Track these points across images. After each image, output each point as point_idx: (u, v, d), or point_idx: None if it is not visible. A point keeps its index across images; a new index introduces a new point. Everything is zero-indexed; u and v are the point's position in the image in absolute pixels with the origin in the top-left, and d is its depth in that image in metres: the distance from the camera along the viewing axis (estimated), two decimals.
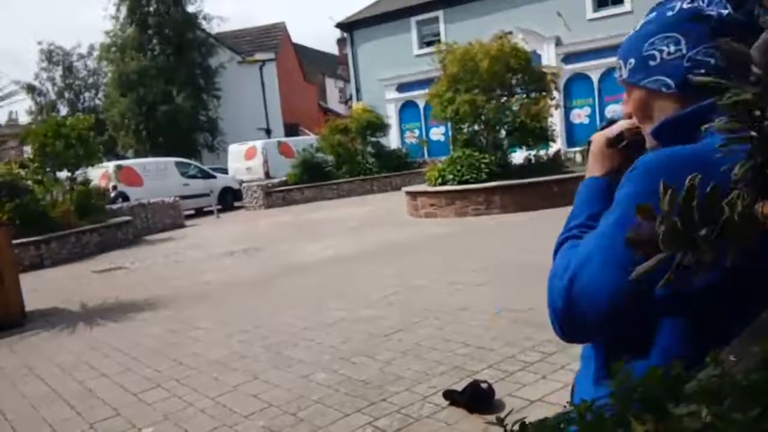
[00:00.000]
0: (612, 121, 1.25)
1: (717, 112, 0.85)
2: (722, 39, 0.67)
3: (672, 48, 1.04)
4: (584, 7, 18.72)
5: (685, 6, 1.04)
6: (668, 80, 1.05)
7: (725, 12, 0.99)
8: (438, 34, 21.01)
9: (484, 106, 11.36)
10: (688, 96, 1.01)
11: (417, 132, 22.85)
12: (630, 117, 1.18)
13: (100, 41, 28.19)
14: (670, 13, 1.06)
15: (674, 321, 0.98)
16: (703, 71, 0.99)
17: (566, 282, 1.01)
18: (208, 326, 5.35)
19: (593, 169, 1.21)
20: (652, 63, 1.06)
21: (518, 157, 12.47)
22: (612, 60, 18.20)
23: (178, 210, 15.92)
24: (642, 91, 1.09)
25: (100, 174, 16.44)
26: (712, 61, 0.99)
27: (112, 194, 16.35)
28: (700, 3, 1.02)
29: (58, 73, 31.97)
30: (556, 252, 1.13)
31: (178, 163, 19.80)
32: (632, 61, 1.10)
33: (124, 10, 26.74)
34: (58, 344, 5.37)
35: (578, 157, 14.39)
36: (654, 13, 1.10)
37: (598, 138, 1.23)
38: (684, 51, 1.02)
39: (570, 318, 1.03)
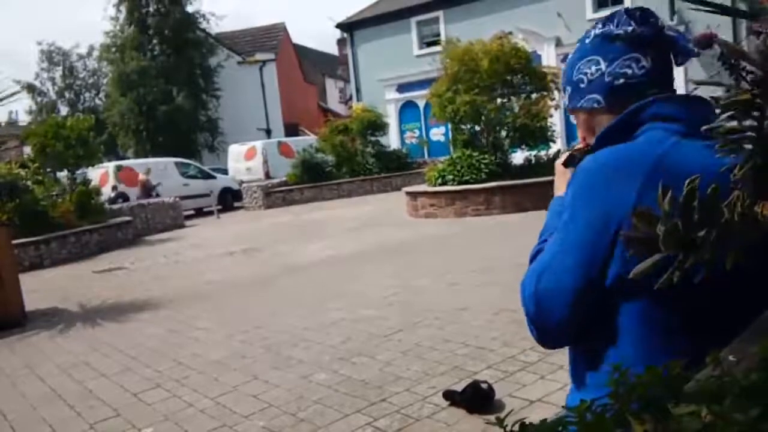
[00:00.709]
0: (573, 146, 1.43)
1: (641, 115, 1.12)
2: (720, 39, 0.68)
3: (594, 68, 1.19)
4: (584, 8, 18.73)
5: (597, 32, 1.21)
6: (598, 96, 1.20)
7: (630, 28, 1.16)
8: (438, 35, 21.01)
9: (485, 106, 11.36)
10: (616, 106, 1.17)
11: (417, 132, 22.86)
12: (584, 139, 1.32)
13: (100, 41, 28.25)
14: (587, 41, 1.23)
15: (631, 312, 1.07)
16: (622, 81, 1.16)
17: (533, 287, 1.15)
18: (208, 326, 5.35)
19: (558, 189, 1.36)
20: (582, 86, 1.22)
21: (518, 157, 12.46)
22: None
23: (178, 210, 15.93)
24: (582, 112, 1.25)
25: (99, 174, 16.47)
26: (629, 71, 1.16)
27: (153, 190, 16.75)
28: (610, 26, 1.19)
29: (58, 73, 32.01)
30: (530, 264, 1.25)
31: (178, 164, 19.81)
32: (568, 89, 1.26)
33: (123, 10, 26.75)
34: (58, 344, 5.37)
35: None
36: (578, 44, 1.27)
37: (558, 161, 1.40)
38: (603, 68, 1.18)
39: (542, 320, 1.15)
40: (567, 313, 1.10)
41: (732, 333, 0.89)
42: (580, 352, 1.20)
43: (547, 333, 1.17)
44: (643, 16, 1.17)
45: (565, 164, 1.34)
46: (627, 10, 1.19)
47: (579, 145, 1.35)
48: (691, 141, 1.05)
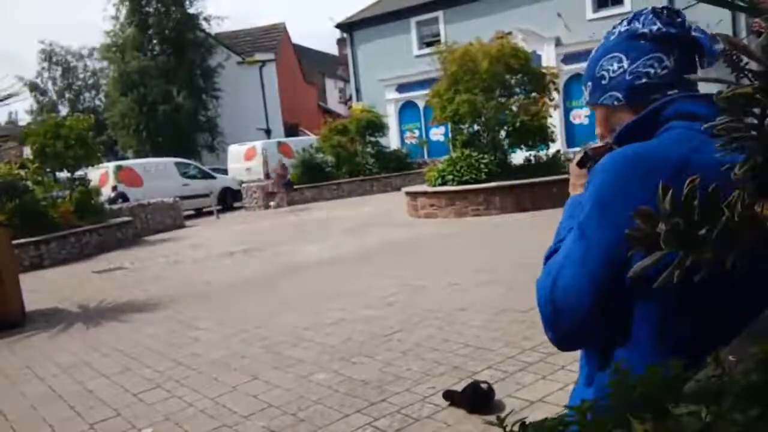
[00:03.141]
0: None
1: (663, 113, 1.11)
2: (722, 35, 0.67)
3: (616, 66, 1.18)
4: (584, 8, 18.72)
5: (622, 29, 1.20)
6: (618, 94, 1.18)
7: (655, 27, 1.15)
8: (438, 35, 21.00)
9: (484, 106, 11.36)
10: (636, 105, 1.16)
11: (417, 132, 22.85)
12: (602, 137, 1.28)
13: (99, 42, 28.26)
14: (612, 38, 1.22)
15: (646, 314, 1.03)
16: (644, 80, 1.15)
17: (549, 285, 1.10)
18: (208, 326, 5.34)
19: (574, 188, 1.32)
20: (603, 82, 1.21)
21: (518, 157, 12.46)
22: None
23: (177, 210, 15.93)
24: (602, 108, 1.23)
25: (99, 174, 16.46)
26: (652, 71, 1.14)
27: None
28: (635, 24, 1.18)
29: (58, 73, 32.04)
30: (544, 264, 1.20)
31: (177, 164, 19.80)
32: (589, 84, 1.25)
33: (123, 10, 26.76)
34: (58, 344, 5.37)
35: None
36: (602, 40, 1.25)
37: (573, 162, 1.36)
38: (626, 66, 1.17)
39: (558, 319, 1.10)
40: (584, 313, 1.07)
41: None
42: (594, 354, 1.17)
43: (564, 333, 1.13)
44: (670, 15, 1.16)
45: (580, 165, 1.31)
46: (654, 9, 1.18)
47: (594, 144, 1.31)
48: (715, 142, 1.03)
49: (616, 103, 1.19)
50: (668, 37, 1.14)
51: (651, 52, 1.15)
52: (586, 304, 1.05)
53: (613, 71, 1.19)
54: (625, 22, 1.21)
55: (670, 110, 1.11)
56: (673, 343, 1.02)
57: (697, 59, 1.17)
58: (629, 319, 1.05)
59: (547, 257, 1.20)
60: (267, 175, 20.17)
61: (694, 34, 1.15)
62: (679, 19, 1.16)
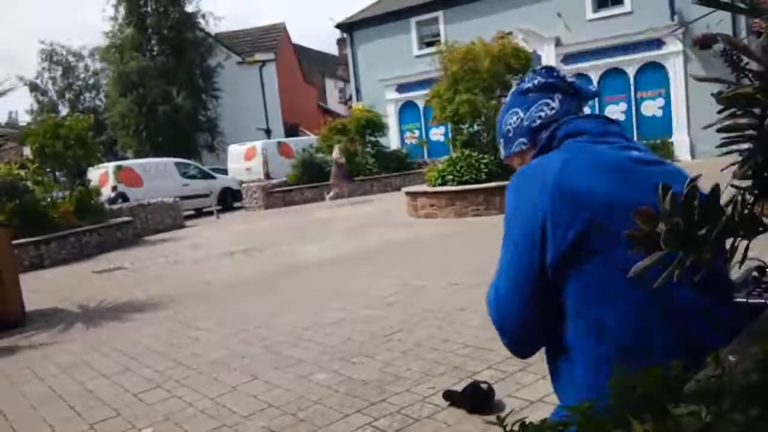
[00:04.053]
0: None
1: (556, 138, 1.37)
2: (723, 35, 0.67)
3: (515, 119, 1.48)
4: (584, 8, 18.72)
5: (514, 90, 1.52)
6: (523, 139, 1.46)
7: (537, 81, 1.46)
8: (438, 35, 20.99)
9: (485, 105, 11.37)
10: (537, 143, 1.43)
11: (417, 132, 22.85)
12: None
13: (100, 43, 28.29)
14: (508, 99, 1.53)
15: (575, 291, 1.21)
16: (539, 122, 1.43)
17: (493, 298, 1.33)
18: (208, 326, 5.34)
19: None
20: (510, 135, 1.49)
21: None
22: (612, 60, 18.29)
23: (177, 210, 15.93)
24: (515, 156, 1.50)
25: (99, 174, 16.47)
26: (543, 113, 1.43)
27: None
28: (522, 84, 1.50)
29: (58, 73, 32.05)
30: None
31: (177, 164, 19.82)
32: (501, 141, 1.53)
33: (122, 10, 26.75)
34: (58, 344, 5.37)
35: None
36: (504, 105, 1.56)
37: None
38: (522, 116, 1.46)
39: (505, 324, 1.31)
40: (524, 308, 1.26)
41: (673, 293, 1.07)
42: (548, 349, 1.34)
43: (517, 339, 1.33)
44: (548, 70, 1.48)
45: None
46: (533, 69, 1.51)
47: None
48: (595, 146, 1.30)
49: (524, 147, 1.46)
50: (549, 85, 1.44)
51: (539, 99, 1.44)
52: (522, 300, 1.26)
53: (513, 123, 1.47)
54: (515, 85, 1.54)
55: (562, 131, 1.37)
56: (608, 306, 1.17)
57: (578, 99, 1.46)
58: (564, 301, 1.22)
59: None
60: (267, 175, 20.18)
61: (569, 80, 1.46)
62: (555, 72, 1.47)
